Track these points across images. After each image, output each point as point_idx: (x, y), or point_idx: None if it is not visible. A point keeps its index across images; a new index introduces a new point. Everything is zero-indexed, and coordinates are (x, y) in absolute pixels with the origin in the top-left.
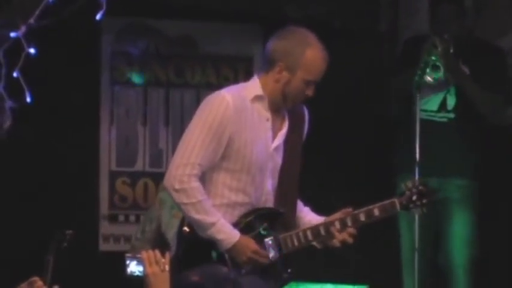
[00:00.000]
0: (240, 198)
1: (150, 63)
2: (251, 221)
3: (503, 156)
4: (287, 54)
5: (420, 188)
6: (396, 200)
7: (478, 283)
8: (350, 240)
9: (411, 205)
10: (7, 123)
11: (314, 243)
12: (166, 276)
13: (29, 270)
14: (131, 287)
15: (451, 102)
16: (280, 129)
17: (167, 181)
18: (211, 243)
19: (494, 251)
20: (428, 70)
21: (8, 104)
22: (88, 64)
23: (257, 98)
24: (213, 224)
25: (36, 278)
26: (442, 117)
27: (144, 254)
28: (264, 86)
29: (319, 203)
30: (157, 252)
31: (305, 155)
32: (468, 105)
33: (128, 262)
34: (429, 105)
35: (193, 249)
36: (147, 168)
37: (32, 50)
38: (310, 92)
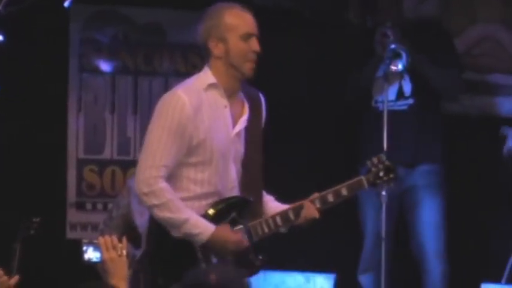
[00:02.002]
0: (205, 189)
1: (118, 50)
2: (220, 211)
3: (466, 143)
4: (211, 29)
5: (386, 163)
6: (363, 178)
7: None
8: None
9: (378, 181)
10: None
11: (284, 228)
12: (124, 261)
13: None
14: (90, 273)
15: (407, 88)
16: (240, 115)
17: (136, 187)
18: (183, 242)
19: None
20: (389, 60)
21: None
22: (56, 51)
23: (211, 86)
24: (186, 220)
25: None
26: (401, 104)
27: (100, 240)
28: (214, 73)
29: (285, 191)
30: (114, 238)
31: (269, 143)
32: (424, 88)
33: (84, 248)
34: (387, 95)
35: (164, 247)
36: (115, 156)
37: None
38: (254, 46)
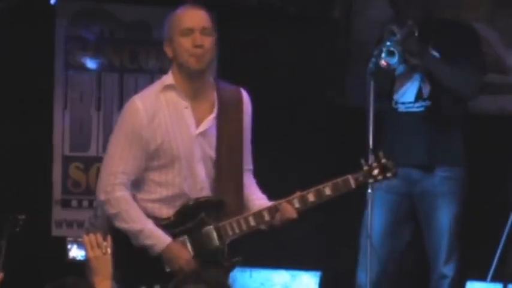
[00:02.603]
0: (170, 191)
1: (104, 48)
2: (188, 212)
3: (488, 144)
4: (164, 33)
5: (383, 161)
6: (350, 176)
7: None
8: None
9: (371, 180)
10: None
11: (261, 227)
12: (108, 259)
13: None
14: (75, 271)
15: (425, 90)
16: (206, 115)
17: (96, 195)
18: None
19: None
20: (383, 55)
21: None
22: (42, 48)
23: (168, 88)
24: (140, 231)
25: None
26: (419, 106)
27: (85, 238)
28: (174, 75)
29: (276, 190)
30: (99, 236)
31: (260, 142)
32: (444, 90)
33: (69, 246)
34: (406, 96)
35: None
36: (101, 154)
37: None
38: (196, 40)
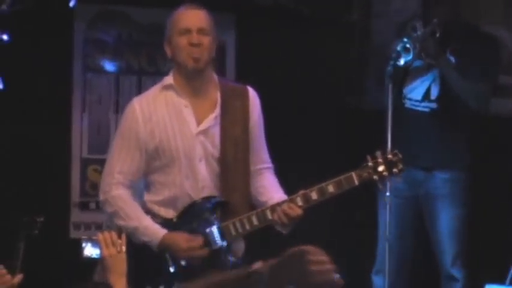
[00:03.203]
0: (173, 191)
1: (122, 50)
2: (193, 212)
3: (492, 148)
4: (165, 35)
5: (389, 157)
6: (353, 173)
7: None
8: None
9: (375, 176)
10: None
11: (277, 227)
12: (123, 257)
13: (2, 255)
14: (89, 270)
15: (434, 91)
16: (208, 113)
17: (100, 193)
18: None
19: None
20: (399, 49)
21: None
22: (60, 51)
23: (166, 88)
24: (136, 228)
25: (0, 266)
26: (424, 107)
27: (100, 236)
28: (174, 75)
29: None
30: (114, 234)
31: (272, 140)
32: (452, 94)
33: (83, 245)
34: (414, 93)
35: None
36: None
37: (4, 37)
38: (192, 39)
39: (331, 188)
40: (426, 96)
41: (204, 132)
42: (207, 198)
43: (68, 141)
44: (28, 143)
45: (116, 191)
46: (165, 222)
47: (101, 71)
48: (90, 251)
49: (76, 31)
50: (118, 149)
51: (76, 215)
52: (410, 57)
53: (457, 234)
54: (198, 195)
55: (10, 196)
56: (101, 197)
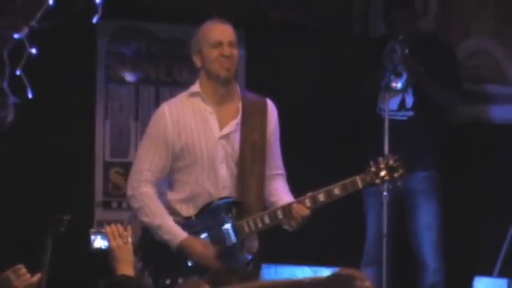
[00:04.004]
0: (195, 189)
1: (141, 63)
2: (210, 211)
3: (462, 149)
4: (193, 44)
5: (390, 163)
6: (358, 178)
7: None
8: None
9: (378, 181)
10: (11, 117)
11: (284, 225)
12: (129, 248)
13: (30, 252)
14: (98, 261)
15: (409, 101)
16: (230, 119)
17: (127, 188)
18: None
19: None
20: (392, 77)
21: (12, 99)
22: (85, 63)
23: (193, 95)
24: (159, 226)
25: (20, 266)
26: (402, 115)
27: (108, 229)
28: (200, 83)
29: (300, 190)
30: (120, 227)
31: (286, 146)
32: (425, 102)
33: (92, 237)
34: (390, 104)
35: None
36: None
37: (33, 50)
38: (225, 51)
39: (337, 191)
40: (402, 105)
41: (226, 137)
42: (224, 198)
43: (91, 146)
44: (56, 147)
45: (144, 188)
46: (185, 220)
47: (122, 81)
48: (99, 243)
49: (99, 45)
50: (147, 149)
51: (100, 214)
52: (404, 78)
53: (433, 227)
54: (218, 194)
55: (39, 196)
56: (129, 192)
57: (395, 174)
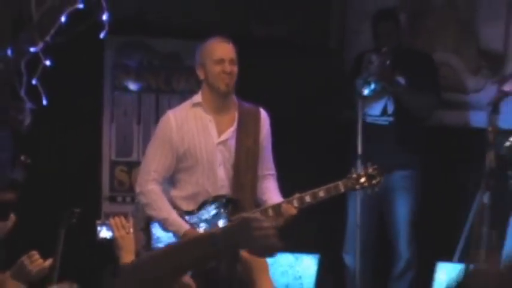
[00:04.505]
0: (195, 188)
1: (143, 73)
2: (208, 207)
3: (439, 151)
4: (197, 59)
5: (370, 171)
6: (340, 183)
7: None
8: (294, 211)
9: (358, 186)
10: (27, 121)
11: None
12: (131, 238)
13: (45, 240)
14: (104, 252)
15: (390, 107)
16: (227, 127)
17: (134, 187)
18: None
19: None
20: (362, 84)
21: (28, 105)
22: (93, 74)
23: (196, 105)
24: (165, 219)
25: (34, 252)
26: (384, 120)
27: (111, 221)
28: (202, 94)
29: (288, 190)
30: (123, 218)
31: (277, 151)
32: (405, 109)
33: (99, 228)
34: (373, 110)
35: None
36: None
37: (47, 62)
38: (226, 68)
39: (321, 193)
40: (384, 112)
41: (223, 143)
42: (221, 196)
43: (99, 147)
44: (67, 148)
45: (151, 186)
46: (187, 213)
47: (126, 90)
48: (104, 233)
49: (106, 57)
50: (154, 151)
51: (106, 207)
52: (372, 87)
53: (410, 221)
54: (215, 193)
55: (53, 191)
56: (138, 189)
57: (373, 181)
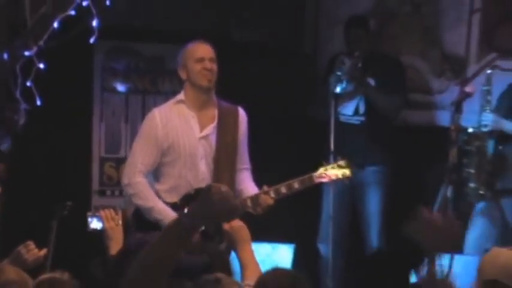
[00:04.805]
0: (178, 181)
1: (130, 75)
2: (190, 198)
3: (407, 148)
4: (179, 61)
5: (340, 163)
6: (313, 175)
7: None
8: (271, 201)
9: (328, 178)
10: (22, 120)
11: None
12: (120, 229)
13: (39, 231)
14: (95, 242)
15: (362, 108)
16: (208, 123)
17: (121, 180)
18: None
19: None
20: (335, 83)
21: (23, 106)
22: (84, 76)
23: (179, 102)
24: (152, 208)
25: (30, 242)
26: (356, 120)
27: (102, 213)
28: (185, 93)
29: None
30: (112, 211)
31: (252, 148)
32: (375, 109)
33: (89, 220)
34: (346, 110)
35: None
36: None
37: (41, 65)
38: (207, 65)
39: (296, 185)
40: (356, 112)
41: (205, 138)
42: (202, 188)
43: (89, 144)
44: (59, 145)
45: (138, 178)
46: (170, 205)
47: (114, 91)
48: (95, 224)
49: (95, 61)
50: (140, 146)
51: (96, 200)
52: (343, 85)
53: (380, 212)
54: (197, 185)
55: (46, 186)
56: (125, 182)
57: (343, 173)
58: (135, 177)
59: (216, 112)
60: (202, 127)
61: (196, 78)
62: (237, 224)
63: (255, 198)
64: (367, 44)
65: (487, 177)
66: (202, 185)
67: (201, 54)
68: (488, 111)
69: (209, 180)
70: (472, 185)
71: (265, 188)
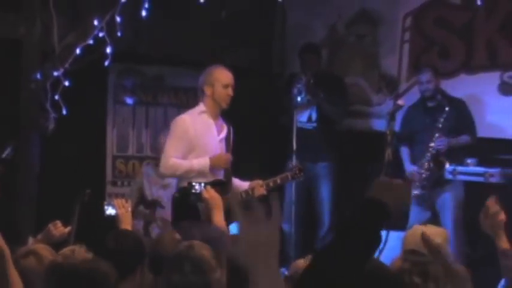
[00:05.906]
0: (202, 172)
1: (137, 91)
2: (217, 182)
3: (351, 148)
4: (206, 79)
5: (300, 167)
6: (288, 174)
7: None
8: (264, 192)
9: (296, 176)
10: (51, 126)
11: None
12: (129, 215)
13: (65, 213)
14: (110, 224)
15: (313, 116)
16: (222, 130)
17: (160, 170)
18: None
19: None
20: (295, 95)
21: (52, 115)
22: (100, 92)
23: (202, 112)
24: (189, 168)
25: (57, 221)
26: (309, 125)
27: (115, 201)
28: (206, 105)
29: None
30: (123, 200)
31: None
32: (324, 117)
33: (106, 207)
34: (302, 117)
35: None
36: (135, 154)
37: (66, 83)
38: (230, 92)
39: (279, 181)
40: (309, 119)
41: (220, 140)
42: (217, 180)
43: (104, 145)
44: (80, 146)
45: (171, 161)
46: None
47: (124, 103)
48: (110, 211)
49: (109, 79)
50: (173, 143)
51: (109, 189)
52: (302, 96)
53: (330, 198)
54: (214, 178)
55: (70, 178)
56: (162, 170)
57: (301, 173)
58: (169, 162)
59: (222, 122)
60: (218, 132)
61: (220, 99)
62: (214, 194)
63: (249, 191)
64: (317, 65)
65: None
66: (219, 176)
67: (228, 81)
68: None
69: (222, 175)
70: None
71: (260, 182)
